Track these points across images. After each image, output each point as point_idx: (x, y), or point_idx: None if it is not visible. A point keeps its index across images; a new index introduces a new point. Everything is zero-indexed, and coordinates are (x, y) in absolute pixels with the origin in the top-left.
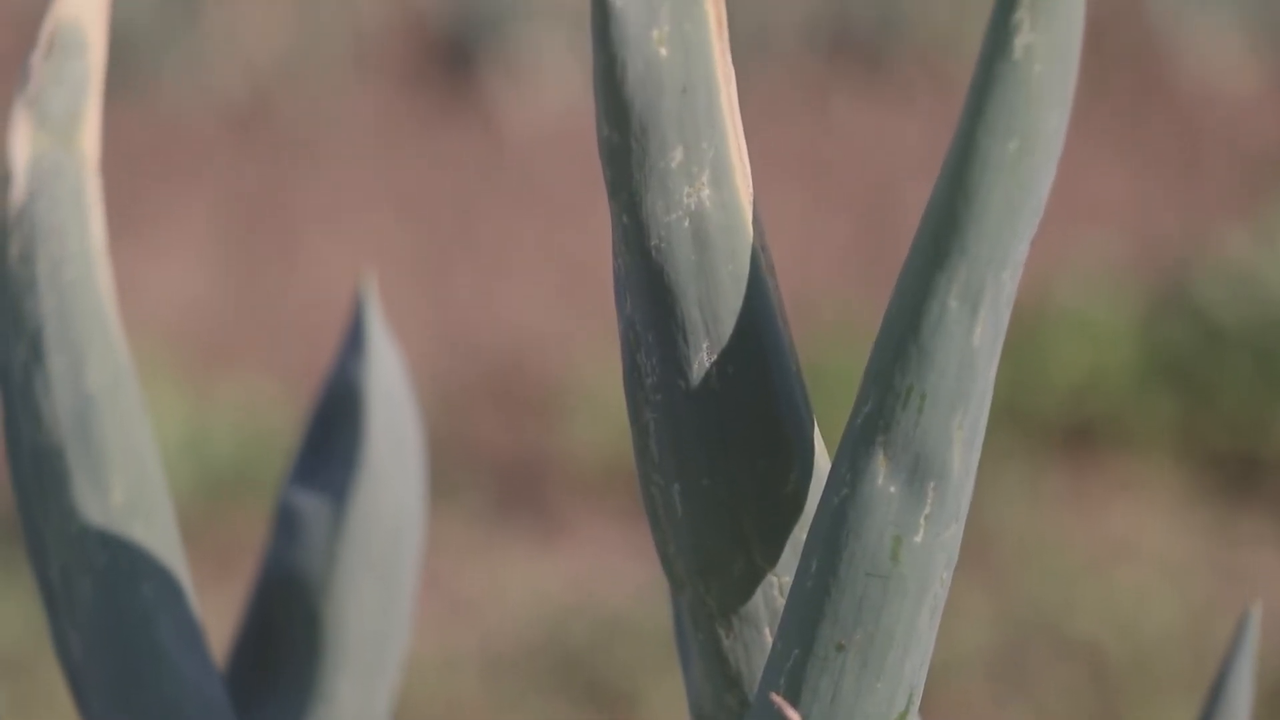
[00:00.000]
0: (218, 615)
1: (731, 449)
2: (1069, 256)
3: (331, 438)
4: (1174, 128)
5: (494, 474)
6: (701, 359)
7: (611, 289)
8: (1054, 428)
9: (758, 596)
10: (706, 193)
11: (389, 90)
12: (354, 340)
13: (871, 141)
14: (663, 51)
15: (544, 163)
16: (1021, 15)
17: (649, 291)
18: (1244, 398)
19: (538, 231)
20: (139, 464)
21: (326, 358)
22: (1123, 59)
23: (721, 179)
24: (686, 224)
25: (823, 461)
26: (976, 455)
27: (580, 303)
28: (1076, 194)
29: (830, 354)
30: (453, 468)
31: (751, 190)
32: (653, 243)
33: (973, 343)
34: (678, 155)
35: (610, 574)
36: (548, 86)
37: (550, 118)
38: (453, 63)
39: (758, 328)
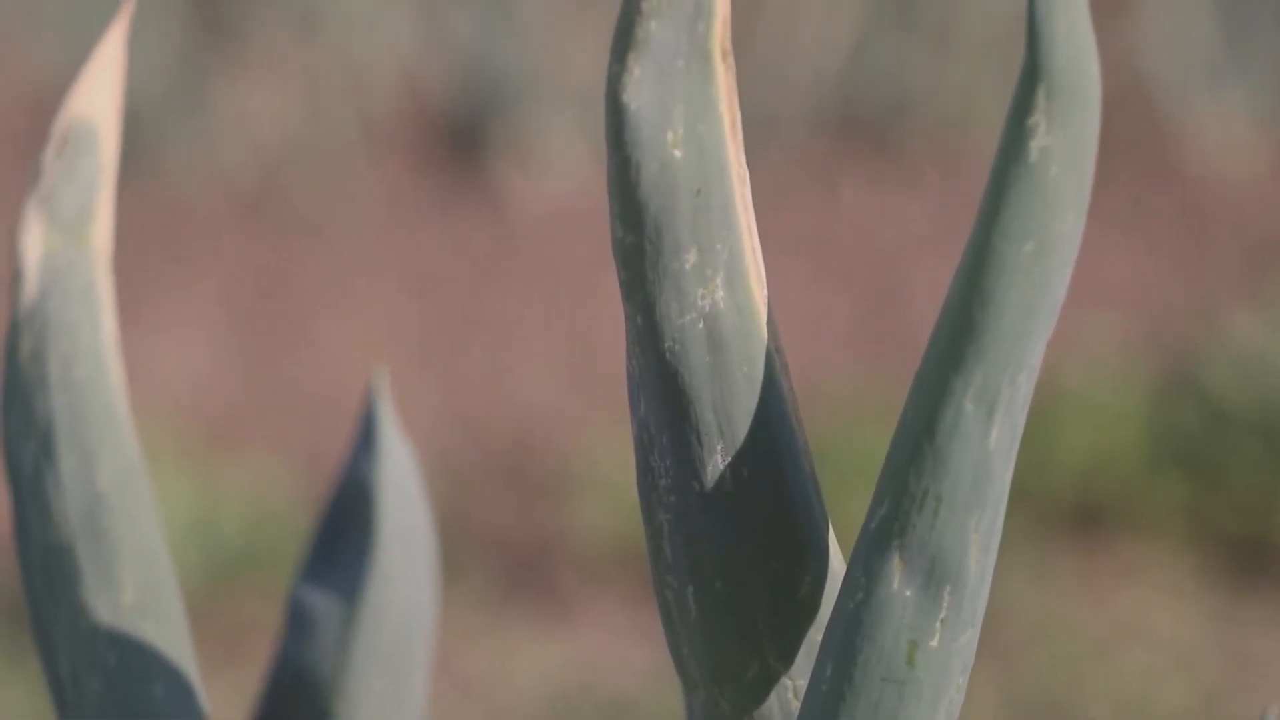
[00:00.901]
0: (226, 700)
1: (746, 551)
2: (1077, 338)
3: (343, 535)
4: (1181, 210)
5: (502, 554)
6: (716, 461)
7: (621, 369)
8: (1062, 509)
9: (772, 700)
10: (721, 294)
11: (398, 171)
12: (365, 436)
13: (879, 222)
14: (677, 153)
15: (553, 243)
16: (1037, 118)
17: (663, 393)
18: (1252, 480)
19: (546, 311)
20: (150, 562)
21: (336, 439)
22: (1129, 141)
23: (736, 280)
24: (701, 326)
25: (838, 564)
26: (993, 559)
27: (589, 383)
28: (1084, 276)
29: (837, 433)
30: (461, 548)
31: (766, 291)
32: (667, 345)
33: (989, 446)
34: (692, 257)
35: (618, 657)
36: (556, 167)
37: (558, 198)
38: (461, 143)
39: (772, 430)
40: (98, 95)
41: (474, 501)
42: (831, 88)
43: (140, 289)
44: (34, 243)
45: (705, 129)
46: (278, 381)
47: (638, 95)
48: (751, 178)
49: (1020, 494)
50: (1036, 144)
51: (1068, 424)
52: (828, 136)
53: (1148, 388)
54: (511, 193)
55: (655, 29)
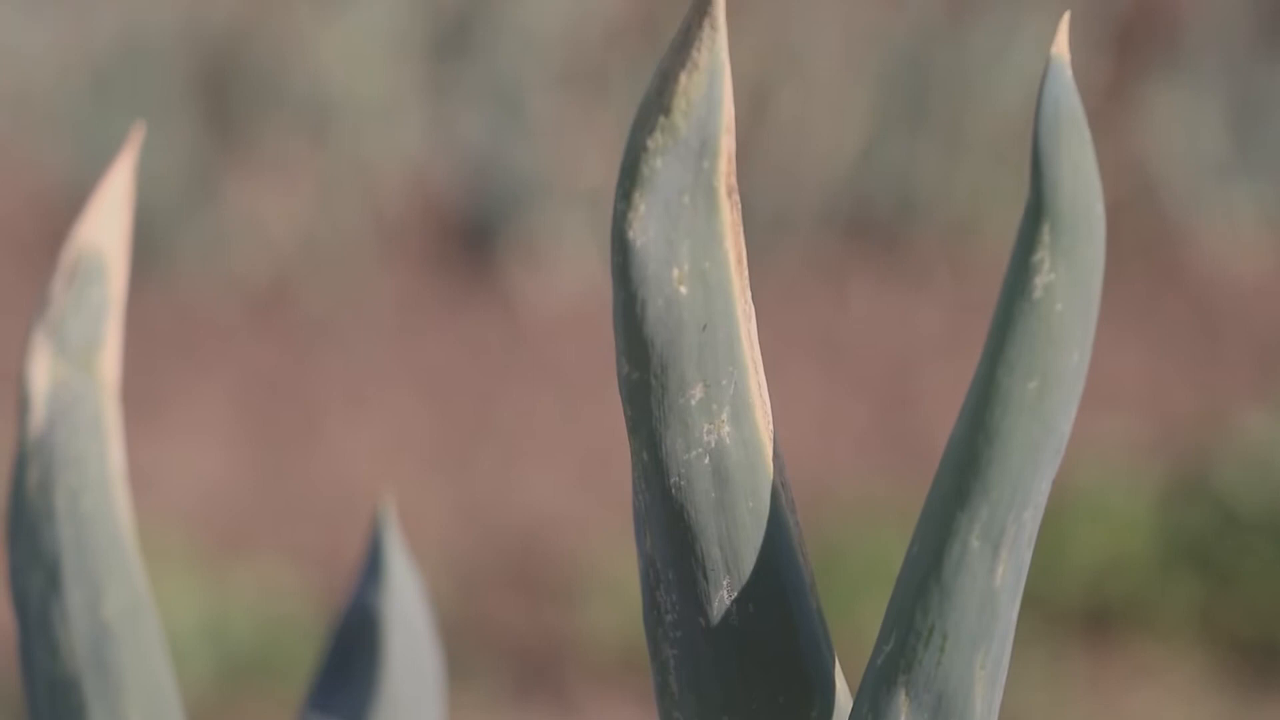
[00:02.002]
0: None
1: (752, 686)
2: (1088, 439)
3: (350, 664)
4: (1190, 311)
5: (512, 657)
6: (722, 596)
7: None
8: (1074, 611)
9: None
10: (727, 430)
11: (409, 272)
12: (373, 565)
13: (889, 323)
14: (683, 289)
15: (562, 344)
16: (1042, 255)
17: (669, 529)
18: (1265, 583)
19: (556, 413)
20: (157, 695)
21: (346, 541)
22: (1137, 242)
23: (742, 416)
24: (706, 461)
25: (844, 699)
26: (999, 694)
27: (599, 486)
28: (1094, 377)
29: (848, 537)
30: (470, 650)
31: (772, 426)
32: (672, 480)
33: (994, 583)
34: (698, 392)
35: None
36: (566, 268)
37: (568, 299)
38: (472, 245)
39: (778, 565)
40: (106, 224)
41: (484, 603)
42: (842, 187)
43: (152, 390)
44: (42, 372)
45: (711, 265)
46: (288, 483)
47: (643, 231)
48: (762, 277)
49: (1031, 595)
50: (1041, 280)
51: (1079, 525)
52: (838, 236)
53: (1159, 489)
54: (522, 294)
55: (661, 166)
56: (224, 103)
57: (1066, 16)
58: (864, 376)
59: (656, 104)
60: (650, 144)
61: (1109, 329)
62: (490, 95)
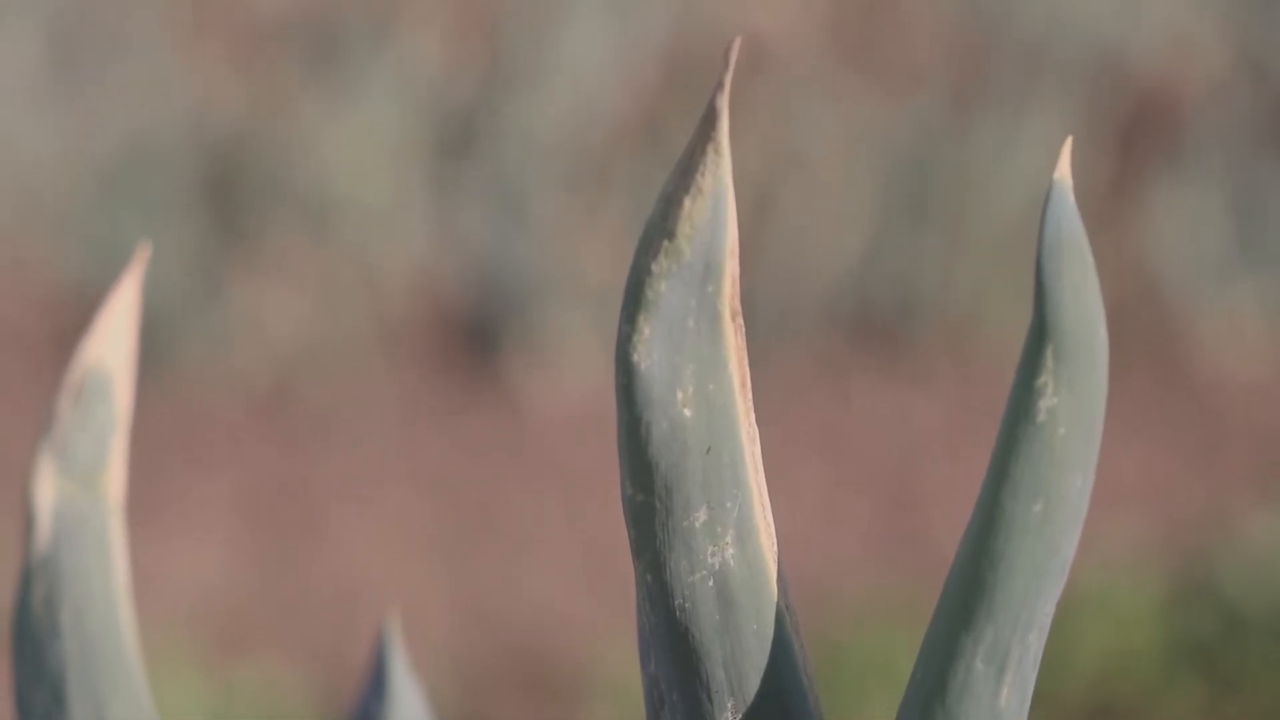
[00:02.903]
0: None
1: None
2: (1091, 540)
3: None
4: (1194, 410)
5: None
6: (726, 718)
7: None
8: (1078, 711)
9: None
10: (731, 552)
11: (412, 372)
12: (376, 682)
13: (892, 421)
14: (687, 412)
15: (566, 444)
16: (1045, 379)
17: (673, 650)
18: (1270, 684)
19: (560, 513)
20: None
21: (350, 642)
22: (1140, 341)
23: (746, 538)
24: (711, 583)
25: None
26: None
27: (603, 586)
28: (1097, 476)
29: (852, 635)
30: None
31: (776, 548)
32: (677, 602)
33: (999, 705)
34: (702, 515)
35: None
36: (570, 368)
37: (572, 399)
38: (475, 344)
39: (783, 689)
40: (112, 343)
41: (487, 704)
42: (845, 286)
43: (154, 488)
44: (47, 490)
45: (715, 388)
46: (291, 583)
47: (648, 355)
48: (765, 375)
49: (1036, 693)
50: (1045, 404)
51: (1083, 625)
52: (841, 334)
53: (1163, 590)
54: (526, 393)
55: (665, 289)
56: (228, 202)
57: (1069, 141)
58: (867, 474)
59: (660, 228)
60: (655, 268)
61: (1112, 428)
62: (494, 195)
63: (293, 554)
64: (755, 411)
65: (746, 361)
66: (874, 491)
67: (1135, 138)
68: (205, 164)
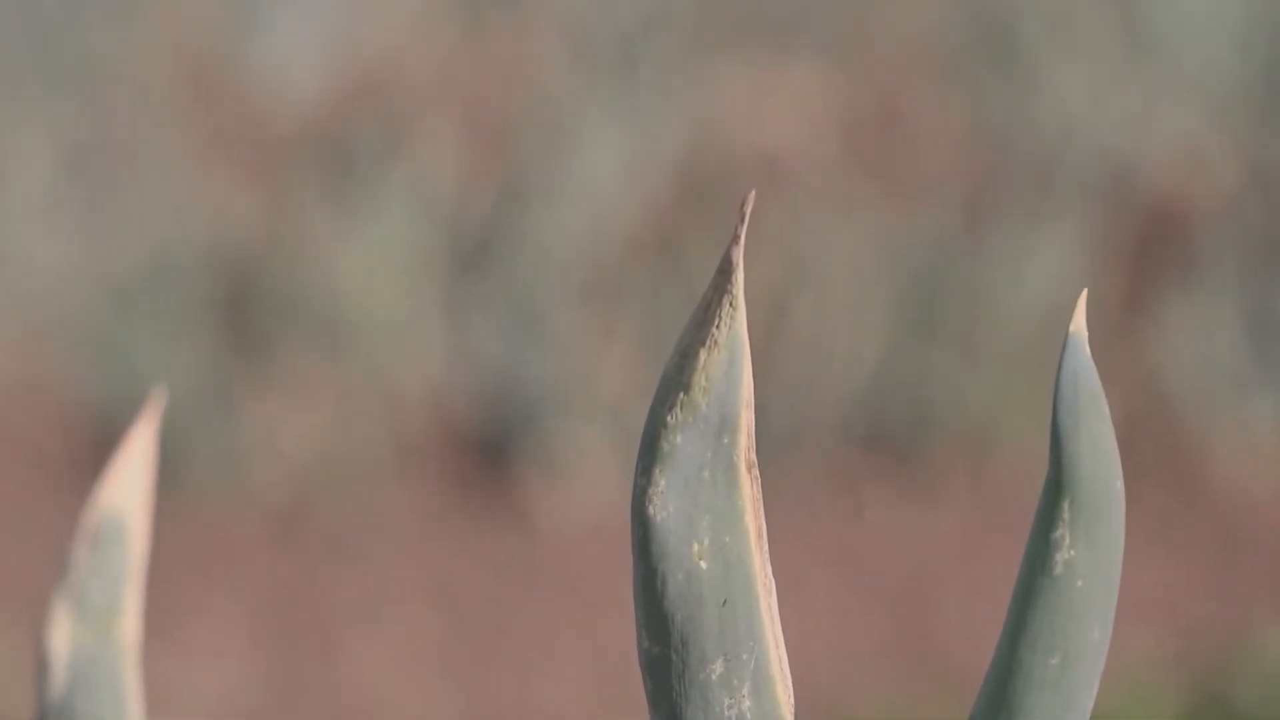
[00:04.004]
0: None
1: None
2: (1108, 654)
3: None
4: (1209, 525)
5: None
6: None
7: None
8: None
9: None
10: (748, 704)
11: (427, 488)
12: None
13: (905, 535)
14: (703, 564)
15: (580, 559)
16: (1062, 531)
17: None
18: None
19: (575, 628)
20: None
21: None
22: (1155, 455)
23: (762, 690)
24: None
25: None
26: None
27: (617, 701)
28: None
29: None
30: None
31: (792, 699)
32: None
33: None
34: (718, 667)
35: None
36: (584, 483)
37: (586, 514)
38: (490, 459)
39: None
40: (127, 488)
41: None
42: (858, 399)
43: (168, 604)
44: (62, 636)
45: (731, 540)
46: (305, 700)
47: (663, 507)
48: (778, 489)
49: None
50: (1062, 556)
51: None
52: (854, 446)
53: (1180, 704)
54: (540, 508)
55: (681, 441)
56: (243, 318)
57: (1084, 294)
58: (881, 589)
59: (676, 381)
60: (670, 420)
61: (1126, 541)
62: (508, 311)
63: (307, 671)
64: (768, 522)
65: (762, 513)
66: (886, 605)
67: (1148, 251)
68: (220, 280)
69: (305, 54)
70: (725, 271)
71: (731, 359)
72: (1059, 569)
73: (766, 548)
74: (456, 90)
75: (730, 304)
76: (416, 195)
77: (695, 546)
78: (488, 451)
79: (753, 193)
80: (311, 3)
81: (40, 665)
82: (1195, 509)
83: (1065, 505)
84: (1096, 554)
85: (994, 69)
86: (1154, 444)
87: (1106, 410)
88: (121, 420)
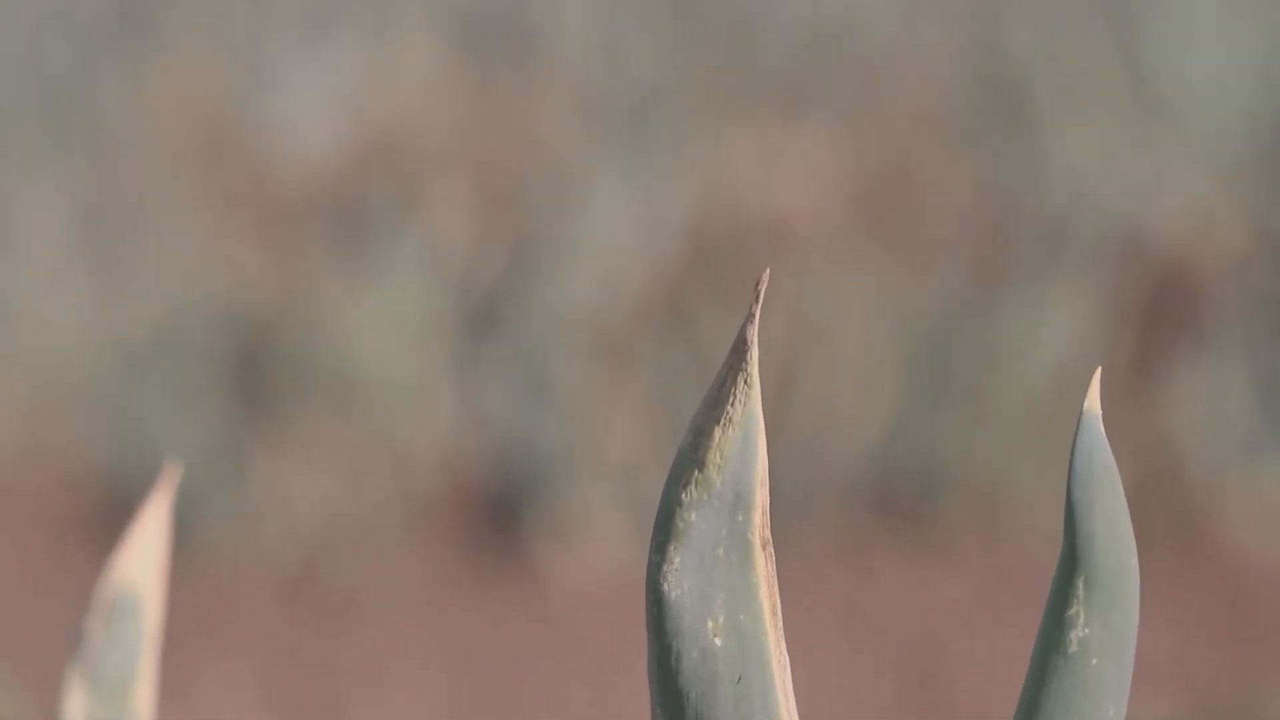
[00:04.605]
0: None
1: None
2: None
3: None
4: (1220, 590)
5: None
6: None
7: None
8: None
9: None
10: None
11: (437, 550)
12: None
13: (917, 597)
14: (718, 641)
15: (591, 620)
16: (1077, 609)
17: None
18: None
19: (585, 690)
20: None
21: None
22: (1165, 520)
23: None
24: None
25: None
26: None
27: None
28: None
29: None
30: None
31: None
32: None
33: None
34: None
35: None
36: (594, 545)
37: (597, 576)
38: (500, 522)
39: None
40: (142, 561)
41: None
42: (868, 460)
43: (178, 667)
44: (77, 708)
45: (746, 617)
46: None
47: (678, 584)
48: (788, 552)
49: None
50: (1076, 634)
51: None
52: (864, 509)
53: None
54: (550, 570)
55: (695, 519)
56: (253, 380)
57: (1098, 374)
58: (892, 651)
59: (691, 458)
60: (685, 497)
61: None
62: (519, 372)
63: None
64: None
65: (777, 589)
66: (897, 669)
67: (1158, 314)
68: (231, 341)
69: (317, 116)
70: (740, 349)
71: (746, 437)
72: (1074, 647)
73: (781, 625)
74: (468, 152)
75: (745, 382)
76: (427, 257)
77: (710, 624)
78: (498, 513)
79: (767, 271)
80: (323, 65)
81: None
82: (1206, 573)
83: (1080, 583)
84: (1111, 632)
85: (1004, 133)
86: (1164, 508)
87: (1121, 488)
88: (132, 483)
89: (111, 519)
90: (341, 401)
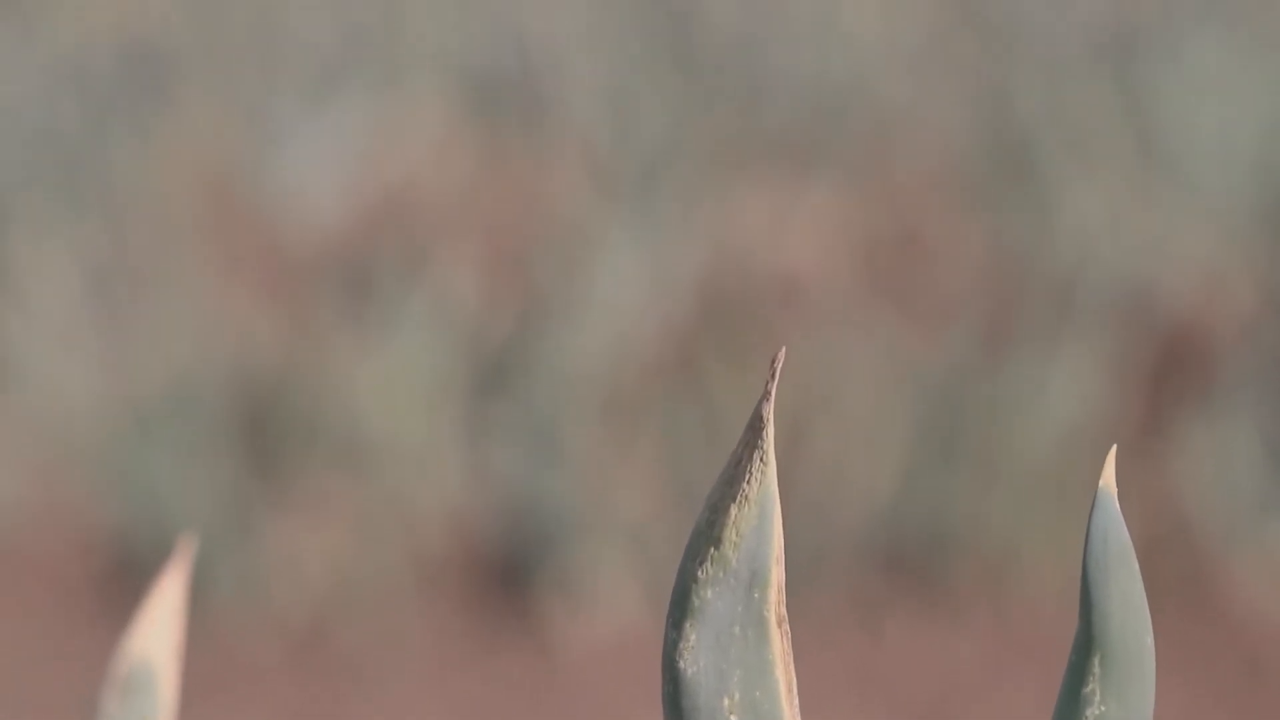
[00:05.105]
0: None
1: None
2: None
3: None
4: (1230, 650)
5: None
6: None
7: None
8: None
9: None
10: None
11: (446, 611)
12: None
13: (927, 659)
14: (734, 719)
15: (600, 681)
16: (1093, 686)
17: None
18: None
19: None
20: None
21: None
22: (1174, 580)
23: None
24: None
25: None
26: None
27: None
28: None
29: None
30: None
31: None
32: None
33: None
34: None
35: None
36: (603, 605)
37: (606, 635)
38: (509, 581)
39: None
40: (157, 635)
41: None
42: (877, 521)
43: None
44: None
45: (762, 694)
46: None
47: (694, 661)
48: (798, 614)
49: None
50: (1092, 713)
51: None
52: (874, 570)
53: None
54: (560, 630)
55: (711, 596)
56: (263, 440)
57: (1113, 451)
58: (902, 713)
59: (707, 535)
60: (701, 574)
61: None
62: (528, 432)
63: None
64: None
65: (793, 667)
66: None
67: (1167, 373)
68: (241, 402)
69: (326, 177)
70: (756, 427)
71: (762, 514)
72: None
73: (797, 702)
74: (476, 213)
75: (761, 459)
76: (436, 317)
77: (726, 701)
78: (507, 572)
79: (783, 350)
80: (332, 126)
81: None
82: (1216, 634)
83: (1095, 661)
84: (1127, 710)
85: (1012, 193)
86: (1174, 567)
87: (1136, 566)
88: (142, 543)
89: (122, 580)
90: (350, 462)
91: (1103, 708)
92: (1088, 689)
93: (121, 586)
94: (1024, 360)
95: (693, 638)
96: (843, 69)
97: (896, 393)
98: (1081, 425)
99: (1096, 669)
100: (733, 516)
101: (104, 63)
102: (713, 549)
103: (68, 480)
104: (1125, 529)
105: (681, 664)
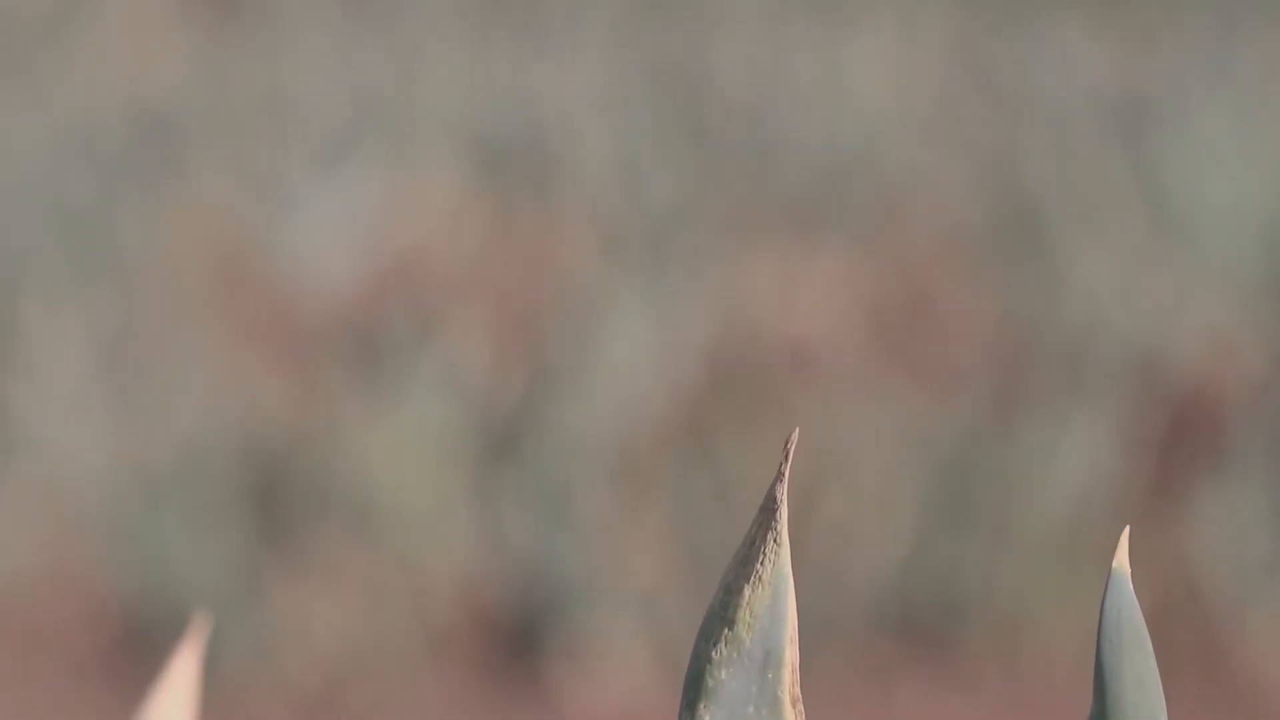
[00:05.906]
0: None
1: None
2: None
3: None
4: (1242, 717)
5: None
6: None
7: None
8: None
9: None
10: None
11: (456, 677)
12: None
13: None
14: None
15: None
16: None
17: None
18: None
19: None
20: None
21: None
22: (1185, 646)
23: None
24: None
25: None
26: None
27: None
28: None
29: None
30: None
31: None
32: None
33: None
34: None
35: None
36: (613, 671)
37: (616, 702)
38: (520, 648)
39: None
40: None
41: None
42: (888, 587)
43: None
44: None
45: None
46: None
47: None
48: (809, 680)
49: None
50: None
51: None
52: (885, 637)
53: None
54: (570, 696)
55: (725, 677)
56: (273, 507)
57: (1126, 531)
58: None
59: (721, 616)
60: (715, 655)
61: None
62: (538, 498)
63: None
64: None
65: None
66: None
67: (1177, 438)
68: (251, 469)
69: (336, 243)
70: (769, 508)
71: (776, 595)
72: None
73: None
74: (487, 279)
75: (775, 540)
76: (447, 383)
77: None
78: (517, 639)
79: (796, 430)
80: (342, 192)
81: None
82: (1228, 700)
83: None
84: None
85: (1022, 259)
86: (1185, 634)
87: (1150, 647)
88: (152, 612)
89: (131, 649)
90: (361, 528)
91: None
92: None
93: (130, 656)
94: (1034, 425)
95: (707, 718)
96: (852, 135)
97: (907, 458)
98: (1092, 490)
99: None
100: (746, 597)
101: (114, 131)
102: (727, 630)
103: (77, 549)
104: (1139, 611)
105: None
